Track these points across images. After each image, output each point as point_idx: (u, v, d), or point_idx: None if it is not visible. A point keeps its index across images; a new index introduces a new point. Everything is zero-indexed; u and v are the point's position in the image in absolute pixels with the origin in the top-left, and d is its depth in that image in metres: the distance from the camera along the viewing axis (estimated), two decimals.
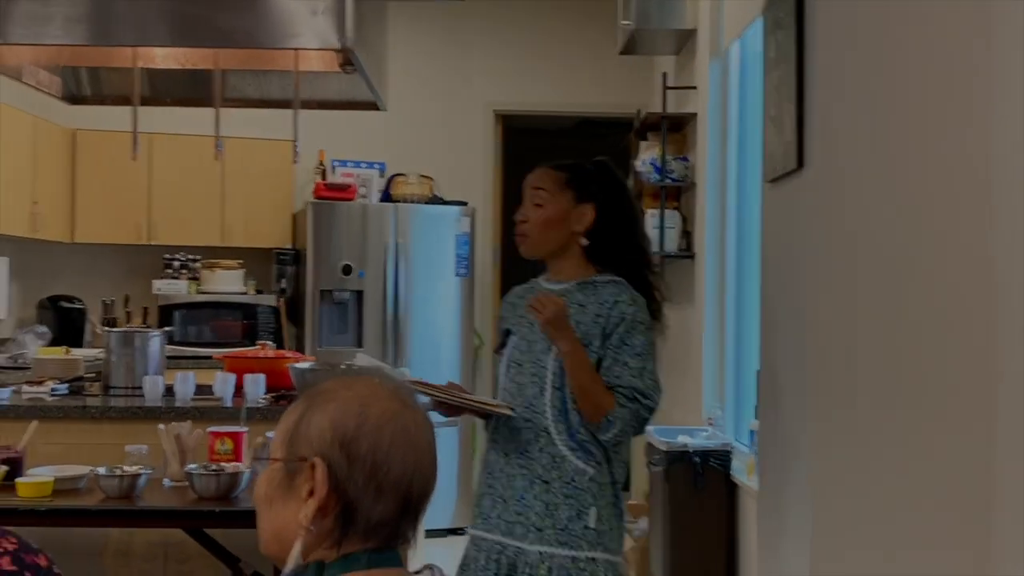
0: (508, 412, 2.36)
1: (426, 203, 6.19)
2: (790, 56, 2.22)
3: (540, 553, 2.27)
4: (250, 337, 6.04)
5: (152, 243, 6.12)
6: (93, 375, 4.14)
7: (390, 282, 5.97)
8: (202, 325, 6.04)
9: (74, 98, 4.37)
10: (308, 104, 4.36)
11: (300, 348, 5.98)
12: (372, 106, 4.30)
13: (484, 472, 2.44)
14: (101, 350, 4.18)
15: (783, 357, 2.69)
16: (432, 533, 5.81)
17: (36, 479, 2.76)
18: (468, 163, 6.70)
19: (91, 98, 4.39)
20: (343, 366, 2.48)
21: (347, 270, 5.90)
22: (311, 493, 1.21)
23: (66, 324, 6.06)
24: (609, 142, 6.67)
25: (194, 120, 5.05)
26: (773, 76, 2.44)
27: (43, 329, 5.75)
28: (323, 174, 6.20)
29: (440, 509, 5.96)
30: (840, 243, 2.08)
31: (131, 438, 3.35)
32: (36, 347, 5.54)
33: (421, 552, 2.72)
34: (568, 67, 6.63)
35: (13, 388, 3.63)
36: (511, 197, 7.64)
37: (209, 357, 5.85)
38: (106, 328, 4.29)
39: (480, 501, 2.42)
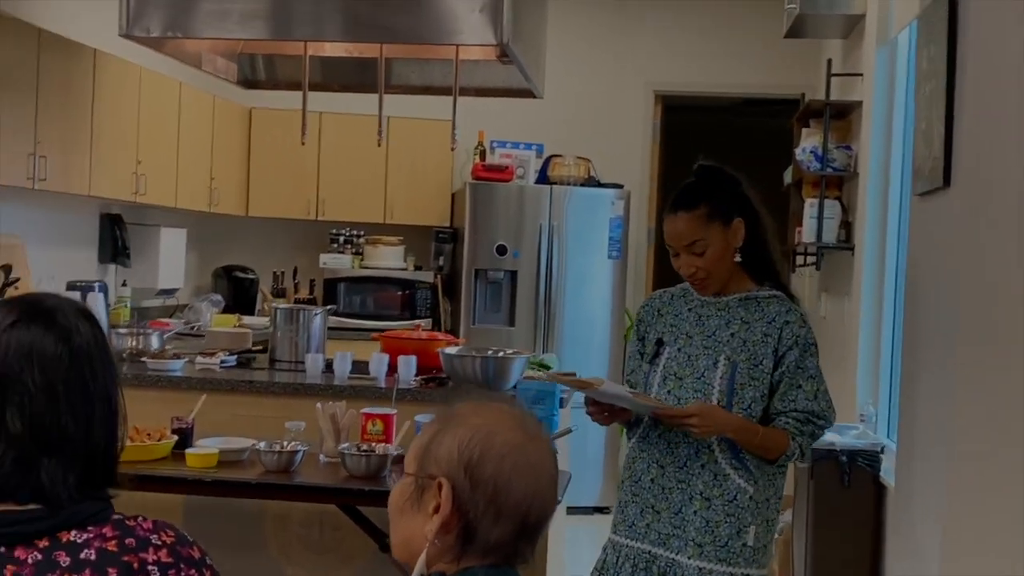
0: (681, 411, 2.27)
1: (582, 184, 6.23)
2: (941, 72, 2.15)
3: (699, 568, 2.28)
4: (408, 311, 6.26)
5: (320, 219, 6.39)
6: (260, 348, 4.39)
7: (543, 263, 6.06)
8: (363, 298, 6.28)
9: (249, 83, 4.61)
10: (467, 91, 4.47)
11: (455, 324, 6.16)
12: (529, 94, 4.38)
13: (630, 480, 2.42)
14: (269, 319, 4.41)
15: (925, 358, 2.62)
16: (576, 511, 5.91)
17: (203, 451, 2.97)
18: (626, 144, 6.70)
19: (264, 83, 4.62)
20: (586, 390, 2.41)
21: (502, 250, 6.02)
22: (436, 509, 1.29)
23: (239, 293, 6.42)
24: (770, 124, 6.55)
25: (361, 101, 5.21)
26: (924, 89, 2.37)
27: (217, 297, 6.11)
28: (482, 155, 6.32)
29: (586, 487, 6.04)
30: (984, 265, 2.02)
31: (291, 412, 3.56)
32: (210, 314, 5.90)
33: (562, 528, 2.78)
34: (731, 48, 6.52)
35: (187, 359, 3.90)
36: (668, 177, 7.61)
37: (369, 330, 6.12)
38: (273, 304, 4.52)
39: (625, 508, 2.41)
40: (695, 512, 2.29)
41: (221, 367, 3.98)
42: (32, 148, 4.05)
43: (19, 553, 1.27)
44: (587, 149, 6.45)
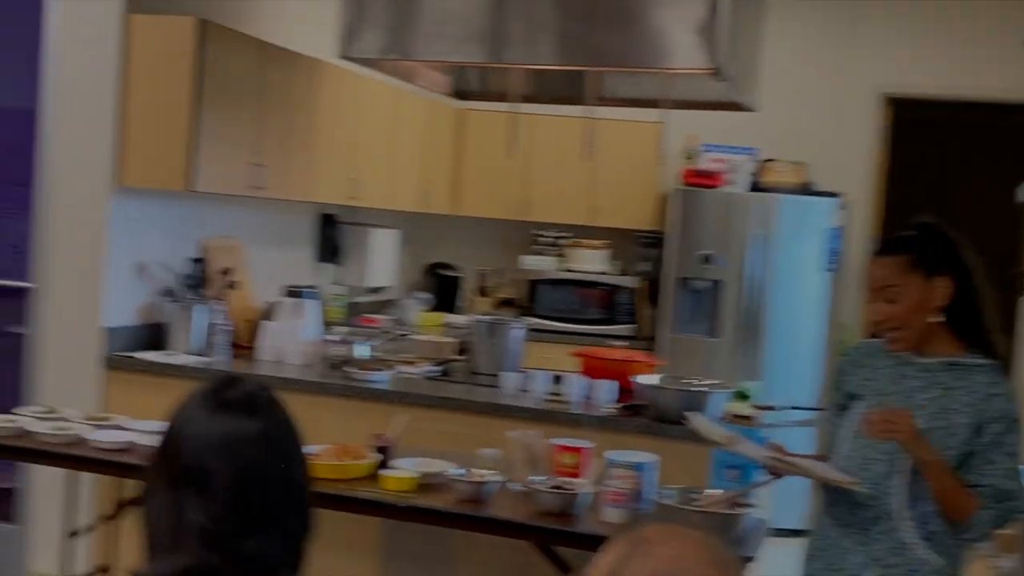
0: (858, 488, 2.23)
1: (797, 191, 5.96)
2: None
3: None
4: (609, 316, 6.19)
5: (526, 219, 6.41)
6: (462, 357, 4.44)
7: (749, 273, 5.84)
8: (564, 301, 6.26)
9: (461, 95, 4.66)
10: (678, 104, 4.35)
11: (656, 332, 6.04)
12: (742, 107, 4.20)
13: (816, 534, 2.38)
14: (470, 317, 4.39)
15: None
16: (779, 532, 5.69)
17: (402, 474, 3.02)
18: (847, 149, 6.35)
19: (476, 95, 4.66)
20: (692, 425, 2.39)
21: (707, 259, 5.85)
22: None
23: (445, 290, 6.54)
24: (1008, 132, 6.04)
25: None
26: None
27: (425, 296, 6.25)
28: (692, 158, 6.14)
29: (788, 509, 5.81)
30: None
31: (486, 429, 3.58)
32: (417, 312, 6.04)
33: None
34: (968, 49, 6.04)
35: (391, 372, 3.98)
36: (895, 183, 7.17)
37: (568, 333, 6.10)
38: (474, 317, 4.56)
39: (811, 562, 2.38)
40: None
41: (424, 377, 4.05)
42: (253, 158, 4.23)
43: None
44: (804, 155, 6.16)
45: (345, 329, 4.42)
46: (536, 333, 6.09)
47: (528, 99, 4.48)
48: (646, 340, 6.10)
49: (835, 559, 2.29)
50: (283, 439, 1.42)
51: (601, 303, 6.22)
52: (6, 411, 3.56)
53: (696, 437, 3.36)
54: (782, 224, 5.84)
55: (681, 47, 3.23)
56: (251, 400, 1.42)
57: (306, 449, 1.47)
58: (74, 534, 3.51)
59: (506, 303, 6.43)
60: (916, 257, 2.21)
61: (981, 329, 2.24)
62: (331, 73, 4.75)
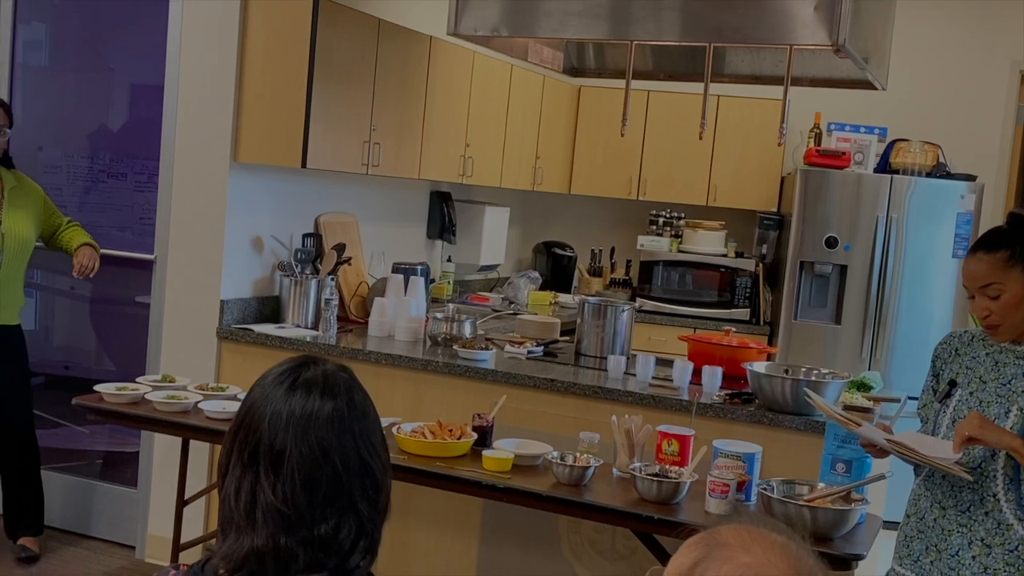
0: (966, 476, 2.24)
1: (928, 174, 5.69)
2: None
3: None
4: (726, 299, 6.05)
5: (641, 199, 6.31)
6: (566, 339, 4.40)
7: (878, 258, 5.61)
8: (680, 283, 6.14)
9: (575, 71, 4.59)
10: (800, 82, 4.19)
11: (775, 316, 5.87)
12: (868, 85, 4.02)
13: (916, 516, 2.41)
14: (579, 297, 4.32)
15: None
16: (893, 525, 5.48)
17: (499, 454, 3.00)
18: (982, 129, 6.04)
19: (591, 72, 4.58)
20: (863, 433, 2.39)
21: (832, 242, 5.64)
22: None
23: (557, 269, 6.49)
24: None
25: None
26: None
27: (535, 274, 6.21)
28: (817, 138, 5.92)
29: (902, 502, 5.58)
30: None
31: (590, 412, 3.54)
32: (528, 290, 6.01)
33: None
34: None
35: (495, 351, 3.96)
36: None
37: (683, 316, 5.99)
38: (580, 298, 4.50)
39: (910, 543, 2.40)
40: (973, 558, 2.26)
41: (528, 357, 4.02)
42: (367, 136, 4.25)
43: None
44: (936, 134, 5.88)
45: (452, 306, 4.42)
46: (649, 315, 6.00)
47: (645, 76, 4.39)
48: (764, 325, 5.94)
49: (936, 540, 2.32)
50: (358, 421, 1.40)
51: (718, 286, 6.08)
52: (132, 378, 3.70)
53: (809, 425, 3.24)
54: (911, 208, 5.59)
55: (803, 23, 3.09)
56: (327, 381, 1.40)
57: (382, 433, 1.45)
58: (187, 501, 3.62)
59: (620, 283, 6.35)
60: (1015, 253, 2.26)
61: None
62: (445, 50, 4.74)
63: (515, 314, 5.40)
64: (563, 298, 6.09)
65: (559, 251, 6.53)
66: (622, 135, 4.08)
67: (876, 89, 4.04)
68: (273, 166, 4.09)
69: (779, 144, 4.08)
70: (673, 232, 6.25)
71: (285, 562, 1.31)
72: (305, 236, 4.38)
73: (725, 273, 6.07)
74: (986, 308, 2.27)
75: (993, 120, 6.05)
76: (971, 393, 2.31)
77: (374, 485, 1.39)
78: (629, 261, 6.36)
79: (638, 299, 6.13)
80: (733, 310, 6.01)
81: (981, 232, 5.70)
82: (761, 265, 6.05)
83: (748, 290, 6.03)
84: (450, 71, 4.84)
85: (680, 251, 6.18)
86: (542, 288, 6.19)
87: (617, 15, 3.34)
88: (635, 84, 3.96)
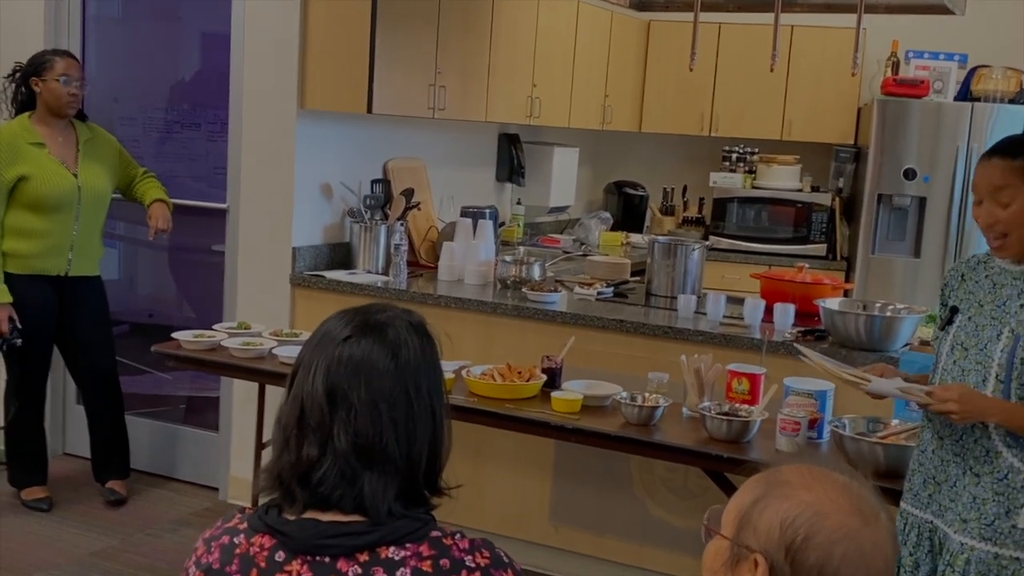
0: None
1: (1011, 100, 5.47)
2: None
3: (962, 544, 2.20)
4: (802, 235, 5.94)
5: (713, 135, 6.19)
6: (637, 280, 4.37)
7: (958, 190, 5.44)
8: (755, 219, 6.04)
9: (643, 5, 4.50)
10: (875, 8, 4.05)
11: (852, 251, 5.75)
12: (946, 10, 3.86)
13: (918, 450, 2.37)
14: (652, 237, 4.27)
15: None
16: None
17: (568, 395, 3.01)
18: None
19: (659, 5, 4.49)
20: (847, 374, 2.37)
21: (910, 174, 5.48)
22: None
23: (629, 209, 6.44)
24: None
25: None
26: None
27: (606, 215, 6.17)
28: (895, 67, 5.73)
29: None
30: None
31: (660, 352, 3.52)
32: (599, 231, 5.98)
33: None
34: None
35: (563, 293, 3.95)
36: None
37: (759, 253, 5.90)
38: (652, 236, 4.46)
39: (912, 477, 2.37)
40: (964, 487, 2.23)
41: (597, 298, 4.01)
42: (432, 79, 4.24)
43: (341, 565, 1.32)
44: (1020, 60, 5.64)
45: (522, 249, 4.42)
46: (724, 253, 5.93)
47: (714, 7, 4.28)
48: (841, 261, 5.83)
49: (935, 471, 2.29)
50: (418, 371, 1.40)
51: (793, 222, 5.96)
52: (210, 325, 3.79)
53: (884, 361, 3.19)
54: (994, 136, 5.37)
55: None
56: (387, 327, 1.41)
57: (439, 381, 1.45)
58: (264, 444, 3.71)
59: (693, 222, 6.27)
60: None
61: None
62: None
63: (585, 255, 5.38)
64: (635, 238, 6.05)
65: (630, 191, 6.47)
66: (691, 70, 3.99)
67: (954, 14, 3.88)
68: (340, 113, 4.11)
69: (853, 74, 3.96)
70: (747, 168, 6.14)
71: (314, 486, 1.34)
72: (374, 182, 4.40)
73: (800, 208, 5.95)
74: (993, 216, 2.18)
75: None
76: (969, 318, 2.25)
77: (433, 432, 1.40)
78: (702, 199, 6.27)
79: (711, 237, 6.05)
80: (809, 246, 5.90)
81: None
82: (838, 199, 5.91)
83: (824, 225, 5.91)
84: (515, 8, 4.78)
85: (754, 187, 6.06)
86: (613, 228, 6.16)
87: None
88: (705, 16, 3.87)
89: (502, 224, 5.43)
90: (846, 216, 5.95)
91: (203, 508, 4.26)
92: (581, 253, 5.49)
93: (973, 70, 5.63)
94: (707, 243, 4.27)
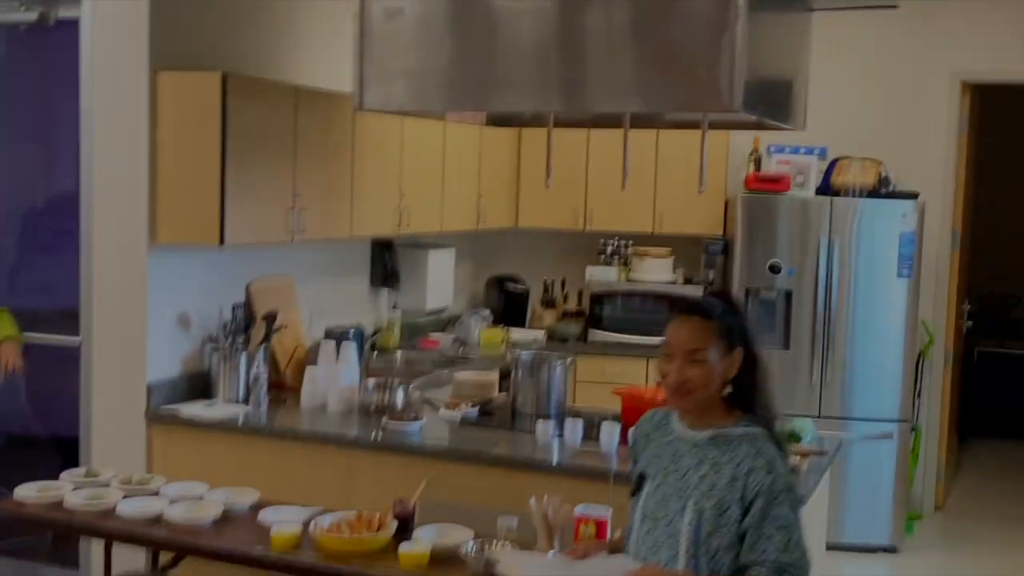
0: None
1: (872, 191, 5.67)
2: None
3: None
4: None
5: (588, 229, 6.27)
6: (504, 394, 4.37)
7: (822, 282, 5.60)
8: (632, 313, 6.12)
9: (499, 121, 4.57)
10: (718, 126, 4.15)
11: None
12: (785, 127, 3.97)
13: None
14: (519, 352, 4.28)
15: None
16: (867, 550, 5.49)
17: (415, 549, 2.95)
18: (925, 141, 6.02)
19: (514, 121, 4.56)
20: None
21: (775, 268, 5.62)
22: None
23: (510, 303, 6.46)
24: None
25: None
26: None
27: (486, 312, 6.19)
28: (757, 162, 5.90)
29: (876, 525, 5.60)
30: None
31: (517, 484, 3.49)
32: (479, 329, 5.99)
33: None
34: None
35: (424, 419, 3.93)
36: (979, 173, 6.77)
37: (635, 345, 5.96)
38: (516, 349, 4.48)
39: None
40: None
41: (462, 421, 4.00)
42: (291, 203, 4.21)
43: None
44: (879, 149, 5.85)
45: (394, 363, 4.38)
46: (602, 346, 5.98)
47: (566, 124, 4.34)
48: None
49: None
50: None
51: (667, 315, 6.04)
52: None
53: None
54: (854, 229, 5.57)
55: (705, 90, 3.06)
56: None
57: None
58: None
59: (573, 315, 6.32)
60: (725, 326, 2.25)
61: (753, 396, 2.27)
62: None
63: (465, 358, 5.39)
64: (516, 333, 6.07)
65: (511, 284, 6.50)
66: (547, 186, 4.06)
67: (795, 130, 4.01)
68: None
69: (700, 192, 4.06)
70: (622, 260, 6.23)
71: None
72: (235, 307, 4.34)
73: (673, 301, 6.05)
74: (685, 375, 2.22)
75: (936, 130, 6.03)
76: (657, 487, 2.29)
77: None
78: (581, 291, 6.34)
79: (591, 330, 6.11)
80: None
81: (928, 248, 5.72)
82: (709, 291, 6.02)
83: None
84: (378, 127, 4.79)
85: (629, 279, 6.15)
86: (496, 323, 6.17)
87: (525, 86, 3.30)
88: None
89: (376, 332, 5.40)
90: None
91: None
92: (460, 356, 5.49)
93: (834, 162, 5.83)
94: (568, 360, 4.28)
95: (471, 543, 2.99)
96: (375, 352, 5.26)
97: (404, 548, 2.97)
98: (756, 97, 3.22)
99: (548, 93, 3.27)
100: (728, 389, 2.28)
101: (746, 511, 2.17)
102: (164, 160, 3.95)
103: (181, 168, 3.94)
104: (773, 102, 3.56)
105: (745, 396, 2.28)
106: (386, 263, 5.51)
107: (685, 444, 2.28)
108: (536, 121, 4.46)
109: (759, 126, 4.12)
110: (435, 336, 5.88)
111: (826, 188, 5.75)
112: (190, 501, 3.28)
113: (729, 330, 2.26)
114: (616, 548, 2.50)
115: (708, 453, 2.25)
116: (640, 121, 4.21)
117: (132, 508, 3.25)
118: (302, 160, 4.27)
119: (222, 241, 3.90)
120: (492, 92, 3.32)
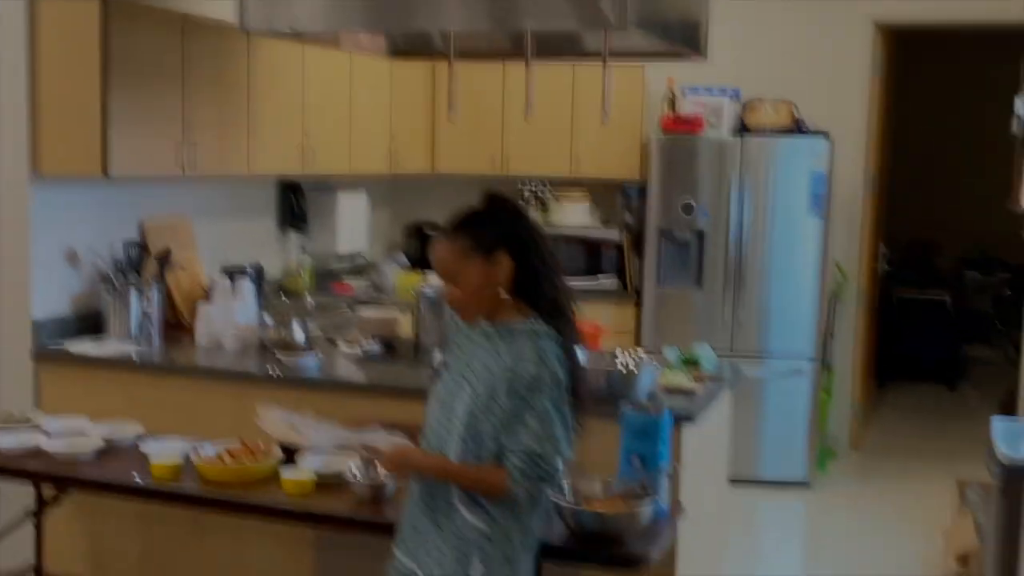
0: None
1: (785, 132, 5.66)
2: None
3: None
4: (595, 269, 6.00)
5: (507, 173, 6.19)
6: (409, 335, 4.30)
7: (734, 222, 5.59)
8: None
9: (399, 53, 4.45)
10: (621, 55, 4.08)
11: (642, 284, 5.83)
12: (693, 55, 3.92)
13: (408, 498, 2.44)
14: (423, 287, 4.21)
15: None
16: (782, 484, 5.54)
17: (299, 475, 2.89)
18: (838, 84, 6.02)
19: (415, 53, 4.44)
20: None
21: (688, 209, 5.60)
22: None
23: (428, 249, 6.37)
24: (1010, 56, 5.65)
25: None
26: None
27: (402, 258, 6.10)
28: (672, 104, 5.86)
29: (791, 460, 5.64)
30: None
31: (412, 412, 3.43)
32: (395, 274, 5.90)
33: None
34: None
35: (319, 354, 3.84)
36: (896, 116, 6.80)
37: None
38: (422, 288, 4.40)
39: (402, 523, 2.43)
40: (432, 537, 2.32)
41: (363, 356, 3.92)
42: (180, 135, 4.08)
43: None
44: (792, 92, 5.84)
45: (287, 305, 4.29)
46: None
47: (468, 56, 4.24)
48: (633, 293, 5.91)
49: (415, 519, 2.35)
50: None
51: (586, 256, 6.02)
52: None
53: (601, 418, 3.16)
54: (766, 170, 5.57)
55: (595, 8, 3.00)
56: None
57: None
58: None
59: None
60: (475, 241, 2.27)
61: (541, 295, 2.29)
62: (268, 40, 4.55)
63: (378, 303, 5.30)
64: (434, 279, 5.98)
65: (430, 232, 6.41)
66: (450, 120, 3.98)
67: (701, 57, 3.96)
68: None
69: (603, 123, 4.00)
70: (540, 205, 6.17)
71: None
72: (127, 244, 4.20)
73: (592, 243, 6.02)
74: (452, 294, 2.32)
75: (850, 73, 6.03)
76: (448, 373, 2.36)
77: None
78: None
79: None
80: (602, 280, 5.97)
81: (840, 187, 5.74)
82: (627, 234, 6.00)
83: (615, 259, 5.98)
84: (277, 62, 4.65)
85: (547, 223, 6.09)
86: (413, 269, 6.08)
87: (416, 4, 3.21)
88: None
89: (285, 276, 5.29)
90: (637, 250, 6.04)
91: None
92: (375, 300, 5.40)
93: (747, 102, 5.81)
94: None
95: (354, 468, 2.92)
96: (284, 296, 5.16)
97: (287, 474, 2.90)
98: (649, 19, 3.16)
99: (440, 11, 3.18)
100: (507, 293, 2.29)
101: (512, 397, 2.22)
102: (45, 89, 3.79)
103: (62, 98, 3.78)
104: (669, 27, 3.50)
105: (529, 295, 2.30)
106: (293, 205, 5.39)
107: (475, 335, 2.34)
108: (441, 54, 4.37)
109: (662, 55, 4.07)
110: (349, 281, 5.78)
111: (741, 130, 5.73)
112: (72, 435, 3.18)
113: (480, 240, 2.27)
114: None
115: (495, 344, 2.30)
116: (546, 50, 4.11)
117: (10, 441, 3.14)
118: (192, 91, 4.13)
119: (105, 172, 3.76)
120: (384, 11, 3.23)
